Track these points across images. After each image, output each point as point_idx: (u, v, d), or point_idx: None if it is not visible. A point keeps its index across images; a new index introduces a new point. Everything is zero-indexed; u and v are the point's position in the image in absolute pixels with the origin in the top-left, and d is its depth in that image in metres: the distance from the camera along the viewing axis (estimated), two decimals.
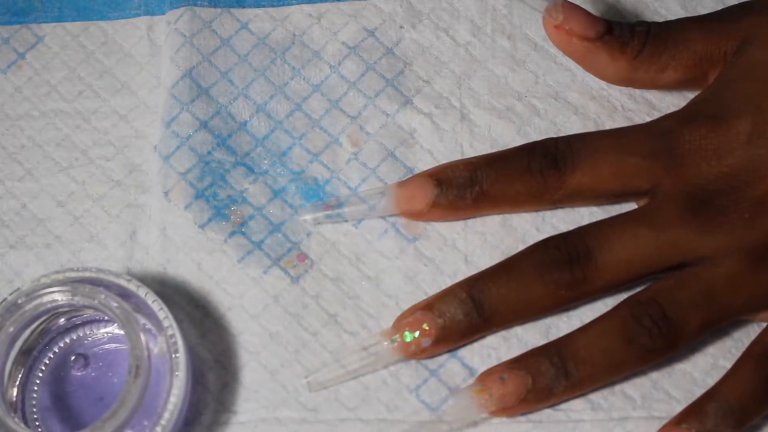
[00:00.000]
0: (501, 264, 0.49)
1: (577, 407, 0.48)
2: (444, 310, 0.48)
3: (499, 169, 0.49)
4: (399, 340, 0.48)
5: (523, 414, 0.48)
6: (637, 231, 0.47)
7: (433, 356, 0.49)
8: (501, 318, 0.48)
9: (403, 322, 0.48)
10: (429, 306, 0.48)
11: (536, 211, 0.51)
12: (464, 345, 0.49)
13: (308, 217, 0.51)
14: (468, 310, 0.47)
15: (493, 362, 0.49)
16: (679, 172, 0.48)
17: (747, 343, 0.49)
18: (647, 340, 0.46)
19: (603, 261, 0.47)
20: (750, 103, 0.48)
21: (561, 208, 0.51)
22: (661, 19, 0.53)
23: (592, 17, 0.50)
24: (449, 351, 0.49)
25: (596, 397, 0.48)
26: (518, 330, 0.49)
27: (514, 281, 0.47)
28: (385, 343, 0.48)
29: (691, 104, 0.50)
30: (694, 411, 0.46)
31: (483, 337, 0.49)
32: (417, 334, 0.48)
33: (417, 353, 0.48)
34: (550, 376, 0.46)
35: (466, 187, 0.49)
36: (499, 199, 0.50)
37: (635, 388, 0.49)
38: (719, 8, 0.53)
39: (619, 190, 0.49)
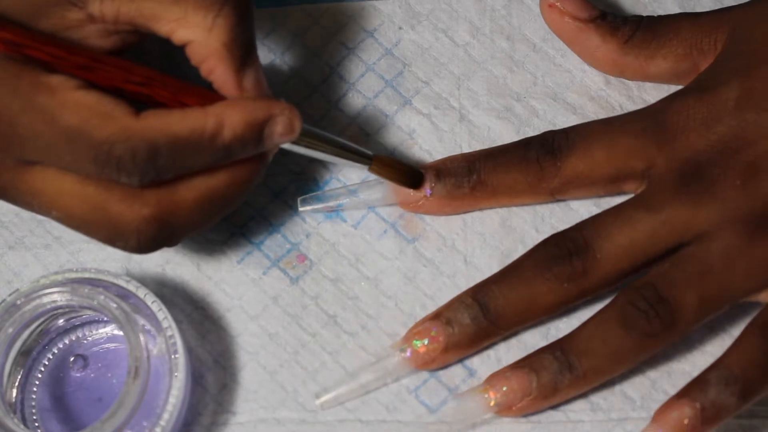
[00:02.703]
0: (505, 268, 0.49)
1: (576, 407, 0.48)
2: (451, 316, 0.47)
3: (497, 159, 0.50)
4: (409, 350, 0.48)
5: (528, 415, 0.48)
6: (632, 215, 0.47)
7: (444, 366, 0.49)
8: (507, 319, 0.48)
9: (412, 332, 0.48)
10: (437, 315, 0.48)
11: (534, 202, 0.51)
12: (475, 353, 0.49)
13: (308, 208, 0.52)
14: (474, 314, 0.47)
15: (493, 363, 0.49)
16: (670, 146, 0.48)
17: None
18: (645, 324, 0.45)
19: (601, 249, 0.47)
20: (737, 71, 0.48)
21: (560, 201, 0.51)
22: None
23: (587, 2, 0.51)
24: (460, 361, 0.49)
25: (596, 397, 0.48)
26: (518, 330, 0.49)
27: (516, 281, 0.47)
28: (396, 354, 0.48)
29: (684, 86, 0.51)
30: (696, 382, 0.45)
31: (494, 343, 0.49)
32: (426, 341, 0.47)
33: (428, 362, 0.48)
34: (553, 370, 0.46)
35: (464, 175, 0.50)
36: (497, 188, 0.50)
37: (635, 388, 0.49)
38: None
39: (615, 173, 0.49)
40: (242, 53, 0.44)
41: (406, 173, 0.50)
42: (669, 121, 0.48)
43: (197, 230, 0.45)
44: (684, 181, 0.47)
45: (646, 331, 0.46)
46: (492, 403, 0.46)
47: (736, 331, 0.49)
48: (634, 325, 0.46)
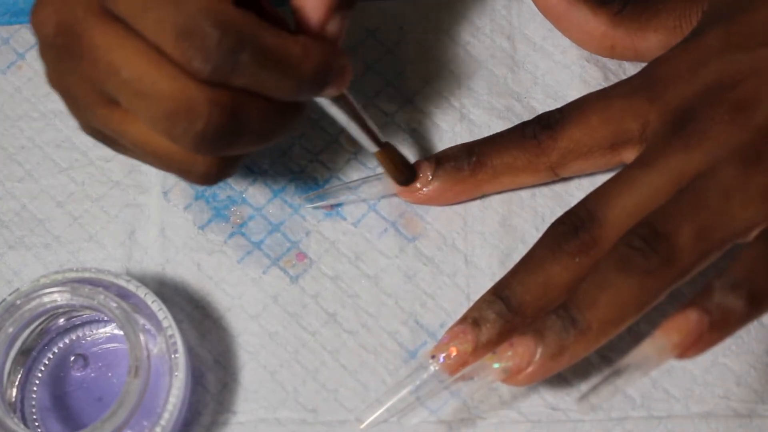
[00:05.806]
0: (520, 260, 0.48)
1: (576, 407, 0.48)
2: (476, 315, 0.46)
3: (495, 141, 0.51)
4: (442, 356, 0.46)
5: (528, 414, 0.48)
6: (631, 175, 0.46)
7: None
8: (530, 306, 0.46)
9: (442, 340, 0.47)
10: (463, 318, 0.47)
11: (537, 182, 0.51)
12: None
13: (311, 205, 0.52)
14: (498, 309, 0.46)
15: None
16: (661, 99, 0.47)
17: (747, 339, 0.49)
18: (642, 261, 0.44)
19: (605, 216, 0.46)
20: (721, 19, 0.48)
21: (563, 180, 0.51)
22: None
23: None
24: None
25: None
26: None
27: (531, 266, 0.46)
28: (429, 363, 0.47)
29: None
30: (700, 292, 0.43)
31: None
32: (455, 343, 0.47)
33: (461, 365, 0.46)
34: (557, 328, 0.44)
35: (464, 158, 0.50)
36: (497, 168, 0.50)
37: (635, 387, 0.48)
38: None
39: (611, 136, 0.49)
40: None
41: (404, 168, 0.50)
42: (658, 75, 0.48)
43: (247, 151, 0.44)
44: (675, 129, 0.46)
45: (643, 268, 0.44)
46: (499, 369, 0.45)
47: (738, 332, 0.49)
48: (632, 264, 0.44)
